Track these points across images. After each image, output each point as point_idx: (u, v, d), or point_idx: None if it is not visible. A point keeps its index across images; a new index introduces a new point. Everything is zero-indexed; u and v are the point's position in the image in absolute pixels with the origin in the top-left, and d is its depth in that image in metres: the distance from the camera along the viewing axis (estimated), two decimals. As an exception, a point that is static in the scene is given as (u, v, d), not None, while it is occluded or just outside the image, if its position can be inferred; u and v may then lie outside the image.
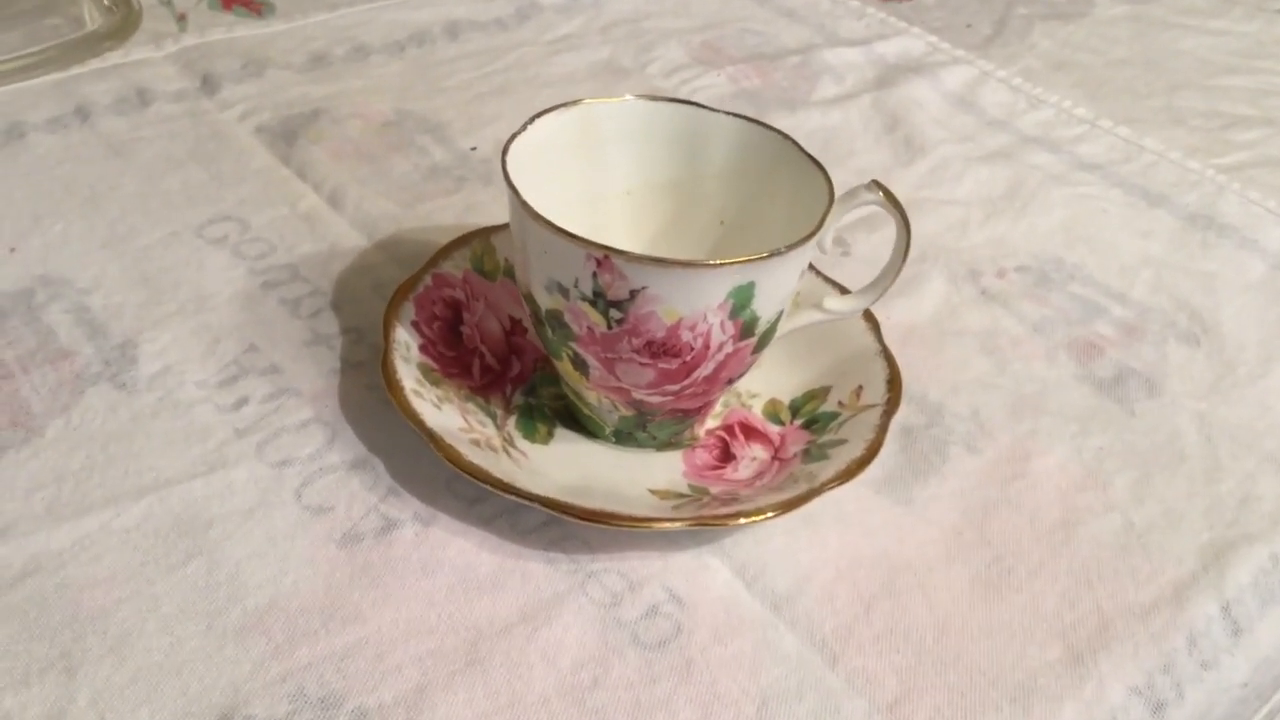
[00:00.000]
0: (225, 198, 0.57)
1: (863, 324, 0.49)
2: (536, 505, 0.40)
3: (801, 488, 0.42)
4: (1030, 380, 0.52)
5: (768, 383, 0.49)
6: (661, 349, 0.40)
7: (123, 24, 0.69)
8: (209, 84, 0.65)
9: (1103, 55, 0.81)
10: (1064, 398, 0.52)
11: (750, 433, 0.47)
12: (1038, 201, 0.64)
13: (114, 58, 0.67)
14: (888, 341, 0.49)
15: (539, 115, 0.44)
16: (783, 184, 0.45)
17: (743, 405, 0.48)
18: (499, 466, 0.42)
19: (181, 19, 0.70)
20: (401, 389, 0.43)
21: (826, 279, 0.52)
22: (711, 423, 0.48)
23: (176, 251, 0.53)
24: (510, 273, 0.50)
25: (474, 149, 0.63)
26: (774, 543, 0.43)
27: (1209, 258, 0.62)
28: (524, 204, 0.40)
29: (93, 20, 0.69)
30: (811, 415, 0.47)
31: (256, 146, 0.61)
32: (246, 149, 0.61)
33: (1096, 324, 0.56)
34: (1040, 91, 0.75)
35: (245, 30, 0.71)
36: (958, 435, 0.49)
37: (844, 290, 0.51)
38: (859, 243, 0.59)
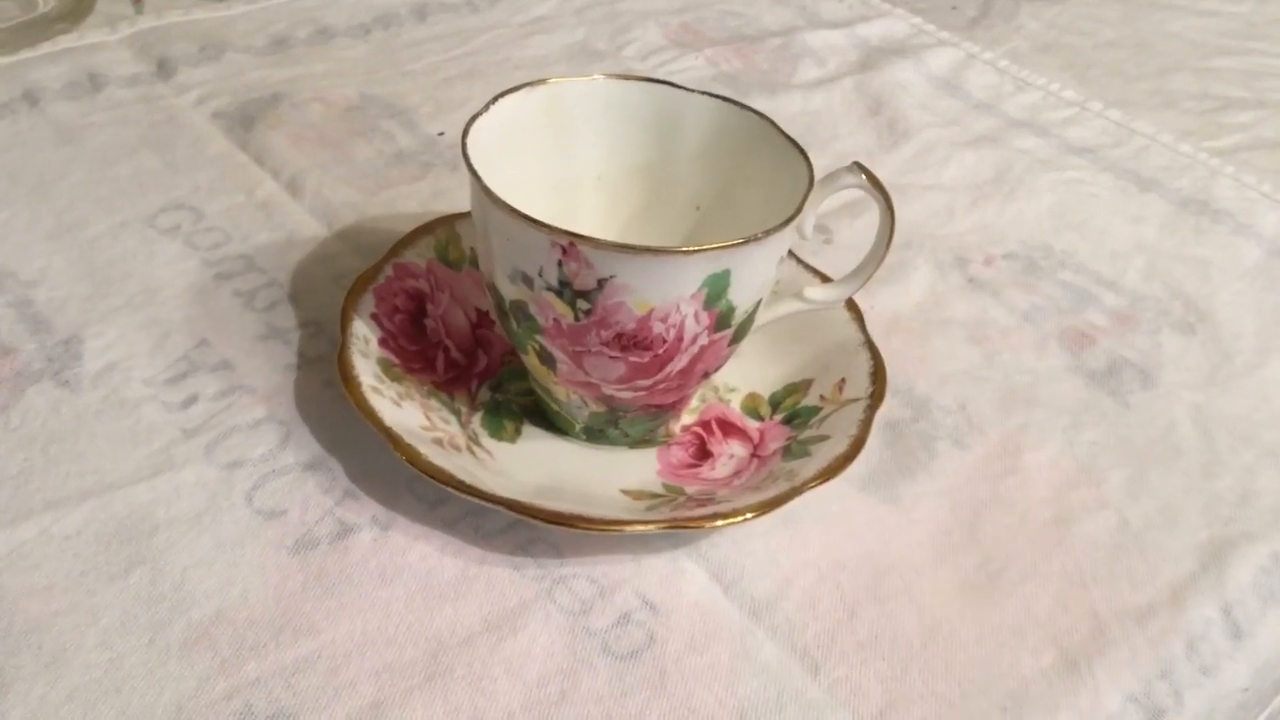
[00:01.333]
0: (179, 185, 0.54)
1: (845, 314, 0.47)
2: (501, 508, 0.38)
3: (782, 486, 0.40)
4: (1020, 371, 0.50)
5: (746, 376, 0.46)
6: (632, 341, 0.38)
7: (76, 6, 0.66)
8: (165, 68, 0.63)
9: (1091, 37, 0.79)
10: (1055, 390, 0.50)
11: (728, 429, 0.45)
12: (1025, 186, 0.62)
13: (66, 41, 0.64)
14: (872, 332, 0.46)
15: (502, 95, 0.42)
16: (761, 167, 0.43)
17: (720, 400, 0.46)
18: (462, 467, 0.40)
19: (138, 2, 0.68)
20: (358, 385, 0.41)
21: (807, 267, 0.49)
22: (687, 418, 0.45)
23: (126, 242, 0.51)
24: (476, 262, 0.47)
25: (441, 134, 0.60)
26: (753, 544, 0.41)
27: (1203, 243, 0.60)
28: (485, 188, 0.37)
29: (45, 2, 0.66)
30: (792, 410, 0.45)
31: (213, 132, 0.58)
32: (202, 135, 0.58)
33: (1088, 313, 0.54)
34: (1027, 74, 0.73)
35: (204, 13, 0.68)
36: (945, 430, 0.47)
37: (826, 279, 0.49)
38: (841, 229, 0.57)
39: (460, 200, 0.54)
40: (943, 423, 0.47)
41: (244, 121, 0.59)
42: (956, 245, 0.57)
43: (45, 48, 0.63)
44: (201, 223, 0.52)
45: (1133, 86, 0.74)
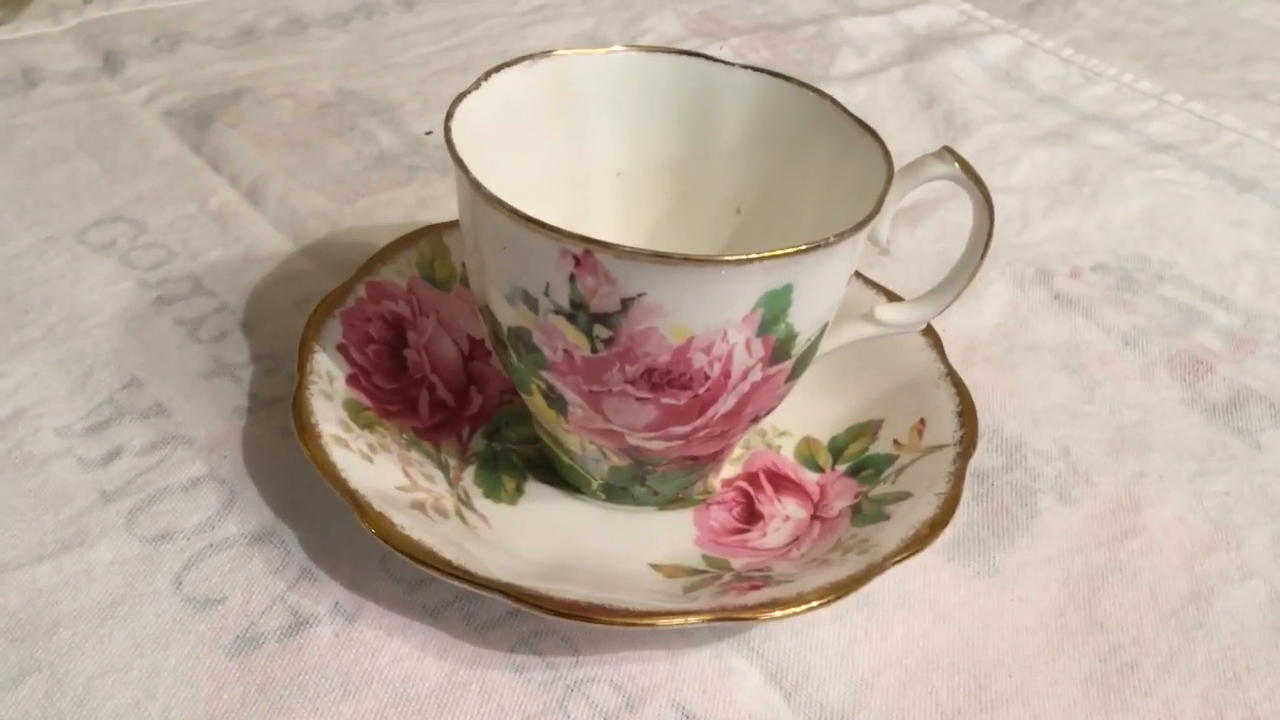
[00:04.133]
0: (118, 194, 0.46)
1: (920, 339, 0.39)
2: (498, 596, 0.29)
3: (858, 562, 0.31)
4: (1128, 406, 0.41)
5: (800, 416, 0.38)
6: (665, 379, 0.30)
7: (15, -5, 0.58)
8: (112, 62, 0.54)
9: (1159, 25, 0.71)
10: (1172, 428, 0.41)
11: (780, 483, 0.36)
12: (1109, 188, 0.53)
13: (1, 34, 0.56)
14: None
15: (497, 70, 0.34)
16: (819, 158, 0.35)
17: (768, 446, 0.38)
18: (449, 539, 0.31)
19: (87, -11, 0.59)
20: (317, 435, 0.32)
21: (869, 282, 0.41)
22: (729, 470, 0.37)
23: (50, 261, 0.42)
24: (468, 281, 0.39)
25: (429, 133, 0.52)
26: (819, 634, 0.32)
27: (1319, 251, 0.51)
28: (475, 183, 0.29)
29: (-21, -9, 0.58)
30: (859, 458, 0.37)
31: (163, 133, 0.50)
32: (150, 136, 0.50)
33: (1198, 334, 0.45)
34: (1095, 64, 0.64)
35: (161, 2, 0.60)
36: (1046, 481, 0.38)
37: (894, 296, 0.40)
38: (900, 237, 0.49)
39: (451, 209, 0.46)
40: (1042, 472, 0.38)
41: (199, 120, 0.51)
42: (1036, 256, 0.49)
43: (-24, 41, 0.55)
44: (142, 237, 0.44)
45: (1212, 77, 0.65)
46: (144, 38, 0.56)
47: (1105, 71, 0.64)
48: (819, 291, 0.30)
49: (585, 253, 0.28)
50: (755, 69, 0.36)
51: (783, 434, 0.38)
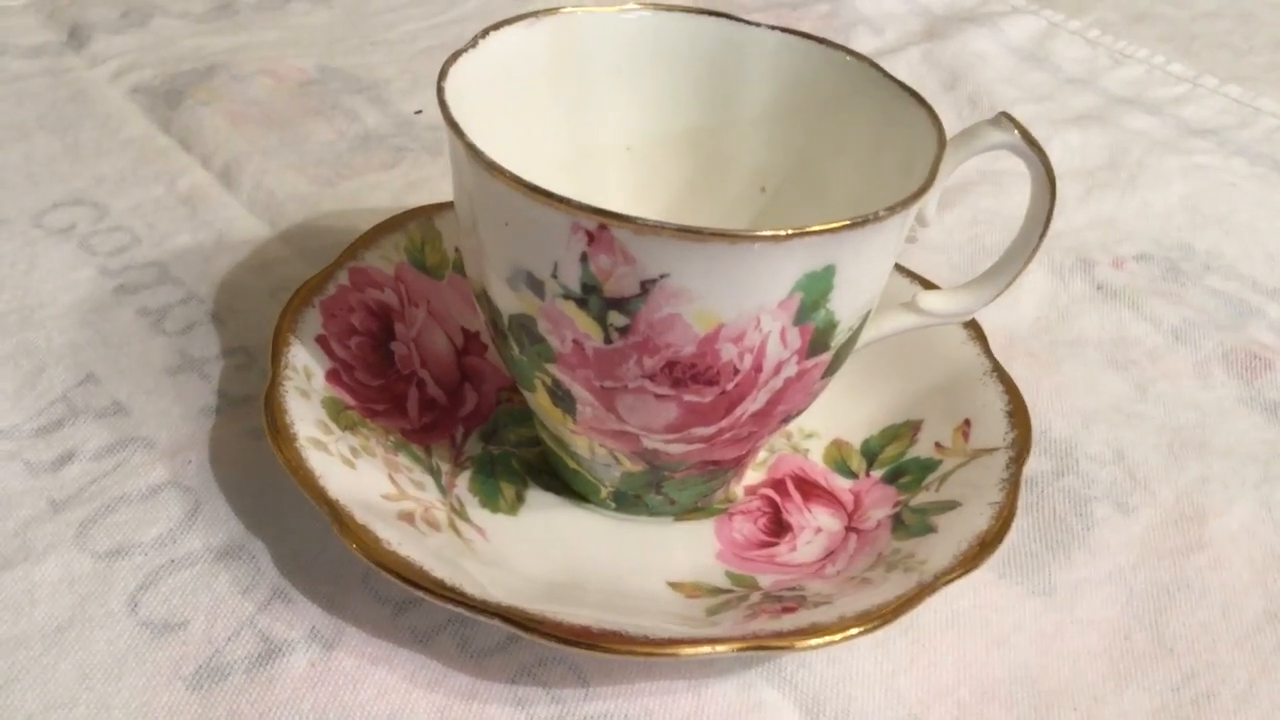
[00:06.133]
0: (79, 175, 0.42)
1: (961, 331, 0.35)
2: (496, 620, 0.26)
3: (905, 581, 0.28)
4: (1184, 406, 0.38)
5: (828, 416, 0.34)
6: (690, 373, 0.26)
7: (-25, -33, 0.54)
8: (77, 36, 0.51)
9: (1187, 7, 0.67)
10: (1232, 430, 0.37)
11: (810, 490, 0.33)
12: (1149, 173, 0.50)
13: (-41, 7, 0.52)
14: (987, 356, 0.34)
15: (495, 28, 0.30)
16: (855, 129, 0.31)
17: (795, 449, 0.34)
18: (441, 554, 0.28)
19: (53, -38, 0.55)
20: (291, 437, 0.29)
21: (904, 270, 0.37)
22: (753, 475, 0.33)
23: (2, 247, 0.39)
24: (462, 267, 0.35)
25: (419, 112, 0.48)
26: (860, 662, 0.29)
27: (1373, 241, 0.47)
28: (471, 148, 0.25)
29: (-64, -37, 0.54)
30: (896, 463, 0.33)
31: (130, 111, 0.46)
32: (116, 114, 0.46)
33: (1252, 328, 0.42)
34: (1124, 45, 0.61)
35: (133, -26, 0.56)
36: (1101, 487, 0.34)
37: (929, 285, 0.37)
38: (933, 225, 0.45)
39: (443, 191, 0.42)
40: (1097, 478, 0.35)
41: (169, 98, 0.47)
42: (1075, 244, 0.45)
43: (-69, 14, 0.51)
44: (104, 221, 0.40)
45: (1246, 61, 0.62)
46: (112, 11, 0.52)
47: (1134, 54, 0.60)
48: (863, 274, 0.26)
49: (600, 227, 0.24)
50: (783, 29, 0.32)
51: (810, 436, 0.34)
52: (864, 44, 0.58)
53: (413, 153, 0.46)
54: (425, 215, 0.36)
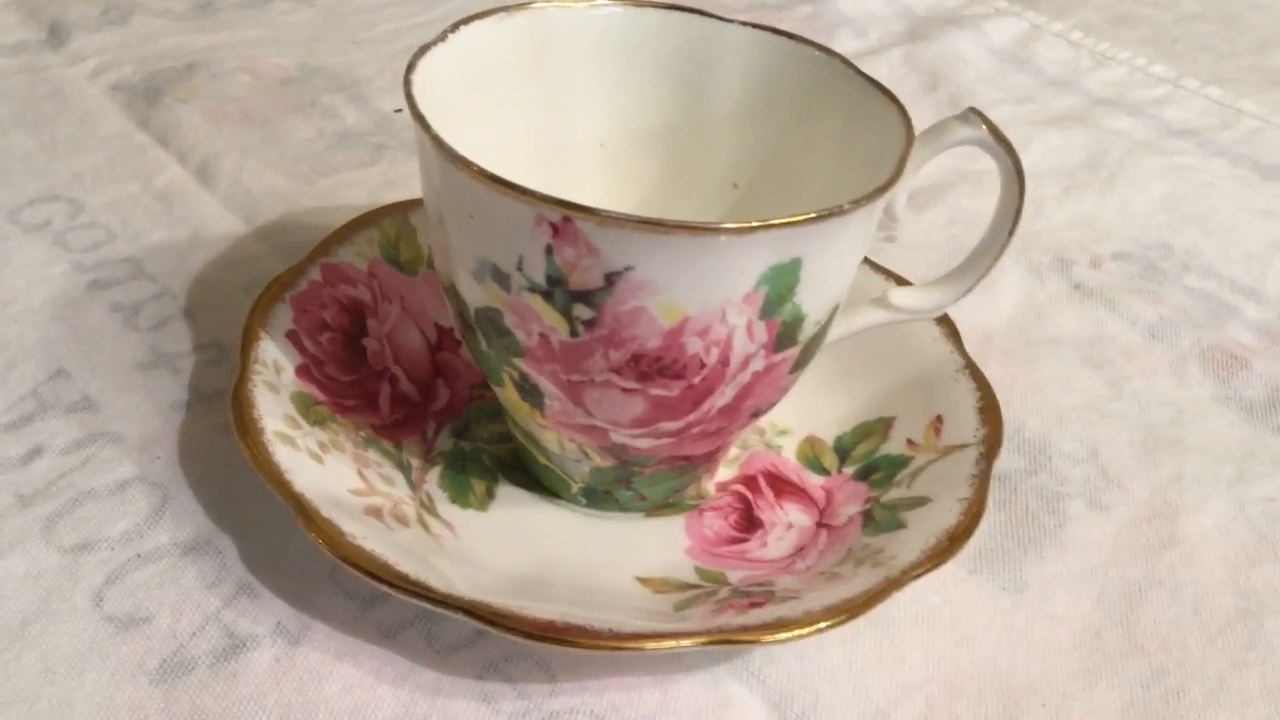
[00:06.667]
0: (55, 172, 0.42)
1: (934, 328, 0.35)
2: (463, 615, 0.26)
3: (872, 576, 0.27)
4: (1158, 404, 0.38)
5: (801, 413, 0.34)
6: (656, 366, 0.26)
7: (-45, -35, 0.54)
8: (57, 34, 0.50)
9: (1170, 10, 0.68)
10: (1207, 429, 0.37)
11: (781, 487, 0.33)
12: (1128, 173, 0.50)
13: (-62, 5, 0.52)
14: (961, 354, 0.34)
15: (464, 23, 0.30)
16: (826, 125, 0.31)
17: (768, 446, 0.34)
18: (409, 550, 0.28)
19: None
20: (258, 431, 0.29)
21: (877, 266, 0.37)
22: (724, 472, 0.33)
23: (-24, 242, 0.39)
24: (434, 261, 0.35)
25: (399, 111, 0.48)
26: (828, 658, 0.29)
27: (1351, 242, 0.48)
28: (437, 140, 0.25)
29: (-84, -40, 0.54)
30: (868, 460, 0.33)
31: (108, 108, 0.46)
32: (94, 111, 0.46)
33: (1229, 327, 0.42)
34: (1106, 48, 0.61)
35: (114, -28, 0.56)
36: (1074, 485, 0.34)
37: (902, 281, 0.36)
38: (905, 223, 0.45)
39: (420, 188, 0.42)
40: (1070, 475, 0.35)
41: (148, 95, 0.47)
42: (1053, 243, 0.45)
43: (-91, 11, 0.51)
44: (79, 218, 0.40)
45: (1228, 63, 0.62)
46: (92, 9, 0.52)
47: (1116, 55, 0.60)
48: (830, 268, 0.26)
49: (564, 220, 0.24)
50: (755, 26, 0.32)
51: (783, 433, 0.34)
52: (846, 45, 0.58)
53: (391, 150, 0.46)
54: (400, 211, 0.36)
